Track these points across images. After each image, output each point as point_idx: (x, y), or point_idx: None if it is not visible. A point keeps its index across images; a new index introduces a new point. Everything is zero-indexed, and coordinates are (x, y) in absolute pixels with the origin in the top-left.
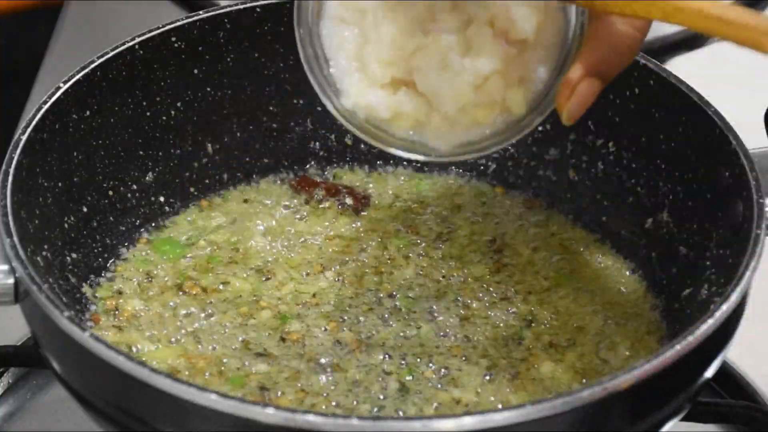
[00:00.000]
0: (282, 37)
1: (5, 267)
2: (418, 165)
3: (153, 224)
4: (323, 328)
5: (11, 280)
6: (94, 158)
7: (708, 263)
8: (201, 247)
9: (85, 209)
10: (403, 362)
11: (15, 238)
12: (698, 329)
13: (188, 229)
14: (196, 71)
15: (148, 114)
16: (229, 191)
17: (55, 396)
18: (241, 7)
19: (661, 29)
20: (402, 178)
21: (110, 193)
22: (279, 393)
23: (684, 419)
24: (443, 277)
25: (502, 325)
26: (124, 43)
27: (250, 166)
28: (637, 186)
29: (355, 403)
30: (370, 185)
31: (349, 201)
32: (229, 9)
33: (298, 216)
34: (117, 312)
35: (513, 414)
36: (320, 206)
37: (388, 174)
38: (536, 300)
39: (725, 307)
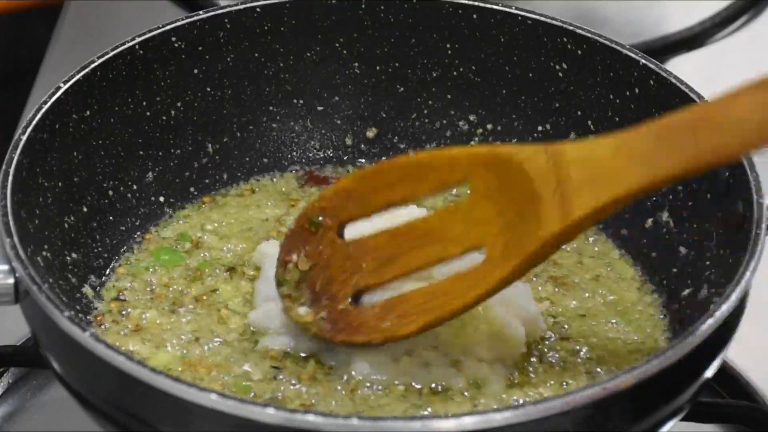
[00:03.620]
0: (282, 37)
1: (5, 267)
2: None
3: (153, 224)
4: None
5: (11, 280)
6: (94, 158)
7: (708, 263)
8: (201, 249)
9: (85, 209)
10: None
11: (15, 238)
12: (698, 329)
13: (188, 229)
14: (196, 71)
15: (148, 114)
16: (229, 191)
17: (55, 396)
18: (241, 7)
19: (660, 29)
20: None
21: (110, 193)
22: (281, 397)
23: (684, 419)
24: None
25: None
26: (124, 43)
27: (250, 166)
28: None
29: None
30: None
31: None
32: (229, 9)
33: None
34: (117, 316)
35: (513, 414)
36: None
37: None
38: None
39: (725, 307)
